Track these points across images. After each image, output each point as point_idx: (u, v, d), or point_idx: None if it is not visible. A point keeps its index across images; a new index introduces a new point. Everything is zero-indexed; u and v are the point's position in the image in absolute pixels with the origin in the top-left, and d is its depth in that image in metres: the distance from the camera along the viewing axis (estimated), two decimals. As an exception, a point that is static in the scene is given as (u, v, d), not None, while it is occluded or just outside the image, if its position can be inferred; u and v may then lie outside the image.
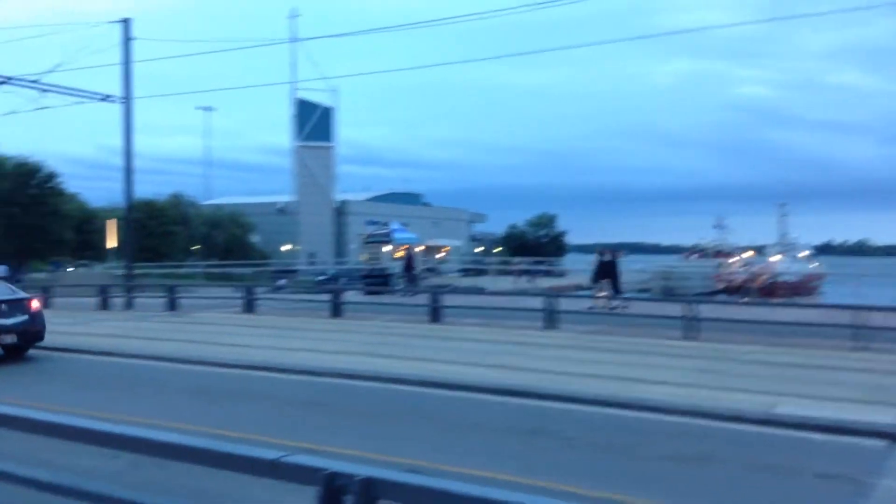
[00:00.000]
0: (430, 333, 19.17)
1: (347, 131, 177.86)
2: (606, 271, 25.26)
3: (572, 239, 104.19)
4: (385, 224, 45.04)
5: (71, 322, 22.53)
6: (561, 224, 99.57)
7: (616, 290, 25.15)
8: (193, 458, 4.83)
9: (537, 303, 21.16)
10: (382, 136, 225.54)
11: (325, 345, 16.62)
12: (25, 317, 16.06)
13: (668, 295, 36.20)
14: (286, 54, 69.46)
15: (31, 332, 16.05)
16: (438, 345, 16.73)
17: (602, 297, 24.51)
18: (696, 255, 77.23)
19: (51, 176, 61.28)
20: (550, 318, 19.96)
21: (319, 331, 19.85)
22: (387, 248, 46.89)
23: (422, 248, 56.42)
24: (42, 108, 29.71)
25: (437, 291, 25.14)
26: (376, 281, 38.87)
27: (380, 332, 19.56)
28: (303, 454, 4.59)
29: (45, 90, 29.05)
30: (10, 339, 15.67)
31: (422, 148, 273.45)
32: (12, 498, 5.76)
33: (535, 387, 11.56)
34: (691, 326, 17.87)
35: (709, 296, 44.17)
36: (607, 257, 25.84)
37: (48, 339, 16.59)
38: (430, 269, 50.31)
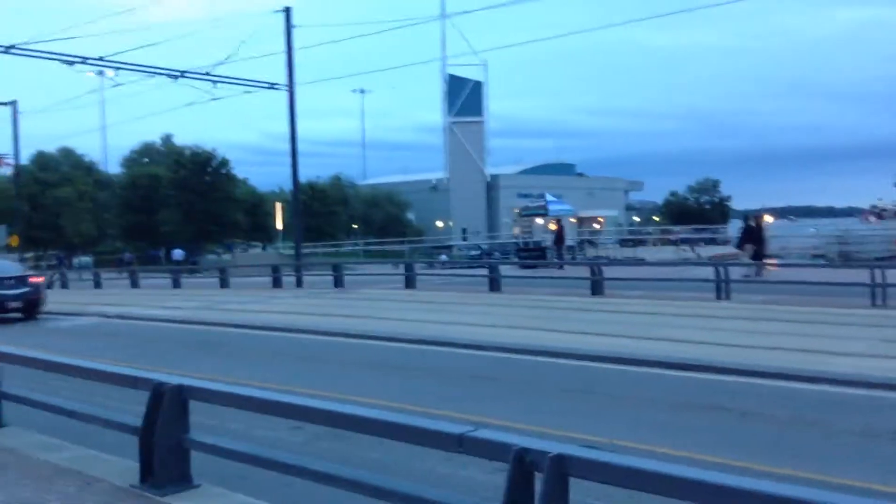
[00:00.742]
0: (593, 306, 18.80)
1: (498, 104, 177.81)
2: (752, 237, 24.84)
3: (737, 204, 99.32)
4: (539, 196, 44.60)
5: (248, 301, 23.91)
6: (725, 189, 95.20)
7: (761, 255, 24.74)
8: (381, 431, 4.90)
9: (704, 272, 20.26)
10: (533, 107, 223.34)
11: (486, 319, 16.67)
12: (27, 288, 21.34)
13: (845, 260, 33.67)
14: (436, 31, 70.04)
15: (32, 300, 21.36)
16: (602, 318, 16.37)
17: (765, 265, 23.83)
18: (875, 217, 71.57)
19: (223, 163, 65.33)
20: (721, 288, 19.04)
21: (479, 305, 19.95)
22: (541, 221, 46.45)
23: (575, 219, 55.57)
24: (215, 99, 31.55)
25: (597, 263, 24.63)
26: (532, 254, 38.59)
27: (540, 305, 19.40)
28: (489, 429, 4.53)
29: (216, 82, 30.80)
30: (15, 304, 20.97)
31: (574, 117, 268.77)
32: (202, 465, 6.09)
33: (710, 360, 11.04)
34: (877, 293, 16.52)
35: (889, 260, 40.82)
36: (752, 223, 25.53)
37: (231, 317, 17.83)
38: (585, 241, 49.46)
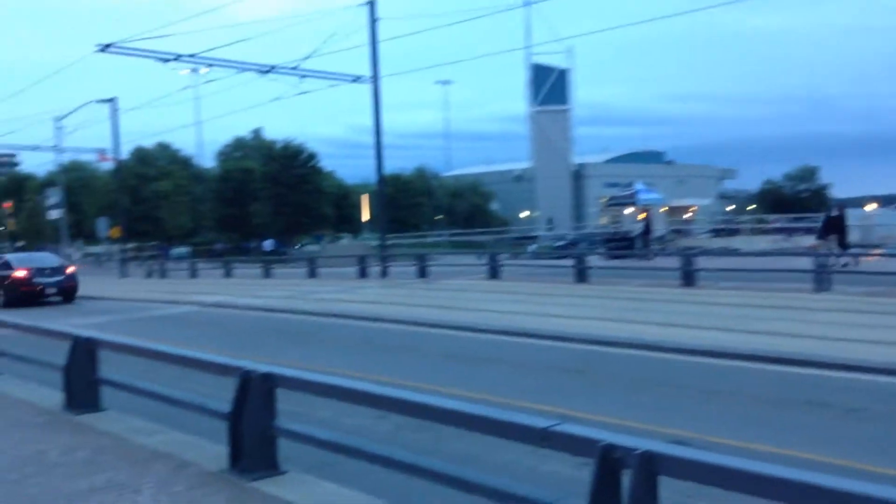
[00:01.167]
0: (684, 298, 18.28)
1: (584, 92, 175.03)
2: (834, 227, 24.26)
3: (838, 192, 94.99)
4: (627, 185, 43.73)
5: (335, 290, 24.29)
6: (824, 177, 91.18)
7: (844, 245, 24.13)
8: (467, 423, 4.82)
9: (802, 263, 19.42)
10: (621, 94, 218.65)
11: (572, 310, 16.42)
12: (62, 277, 25.82)
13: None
14: (521, 20, 69.44)
15: (67, 287, 25.82)
16: (694, 310, 15.88)
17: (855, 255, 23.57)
18: None
19: (312, 156, 66.61)
20: (821, 280, 18.20)
21: (565, 296, 19.67)
22: (629, 211, 45.53)
23: (666, 208, 54.25)
24: (302, 93, 32.11)
25: (688, 254, 23.94)
26: (620, 245, 37.88)
27: (629, 297, 18.99)
28: (574, 423, 4.39)
29: (303, 76, 31.33)
30: (52, 291, 25.26)
31: (663, 104, 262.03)
32: (290, 452, 6.15)
33: (810, 354, 10.53)
34: None
35: None
36: (835, 213, 25.03)
37: (318, 307, 18.18)
38: (675, 231, 48.23)
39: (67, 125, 51.48)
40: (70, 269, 26.69)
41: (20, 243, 77.85)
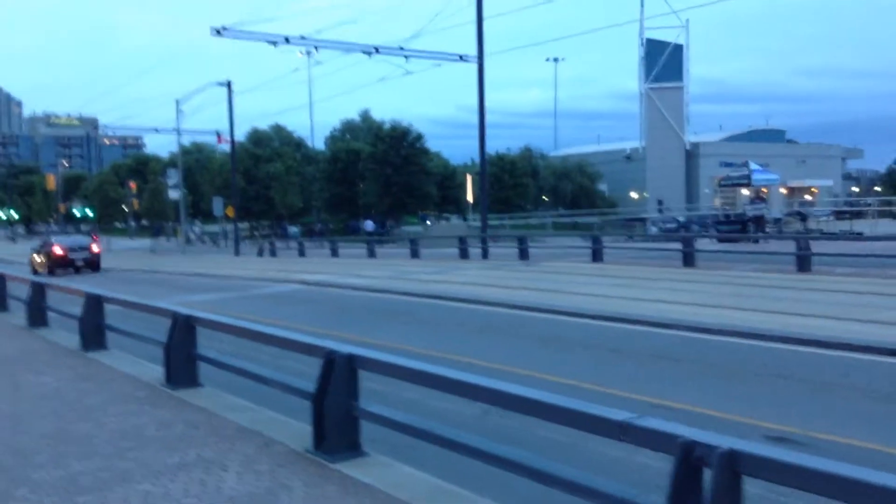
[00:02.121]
0: (797, 284, 17.35)
1: (700, 68, 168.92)
2: None
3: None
4: (743, 165, 41.87)
5: (435, 271, 24.40)
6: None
7: None
8: (543, 413, 4.67)
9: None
10: (740, 69, 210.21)
11: (677, 296, 15.86)
12: (89, 254, 34.21)
13: None
14: (636, -9, 67.24)
15: (92, 260, 34.18)
16: (807, 297, 15.04)
17: None
18: None
19: (418, 137, 67.09)
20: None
21: (671, 281, 19.04)
22: (745, 192, 43.66)
23: (785, 189, 51.80)
24: (408, 74, 32.25)
25: (803, 237, 22.73)
26: (732, 227, 36.44)
27: (738, 282, 18.20)
28: (655, 417, 4.17)
29: (408, 56, 31.44)
30: (81, 263, 33.55)
31: (786, 79, 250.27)
32: (374, 433, 6.15)
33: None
34: None
35: None
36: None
37: (418, 287, 18.42)
38: (794, 213, 45.95)
39: (187, 108, 53.69)
40: (94, 248, 35.28)
41: (143, 222, 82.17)
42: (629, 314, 13.50)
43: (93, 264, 34.03)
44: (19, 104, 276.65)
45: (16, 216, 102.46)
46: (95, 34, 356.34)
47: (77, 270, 33.28)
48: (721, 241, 31.30)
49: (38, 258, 34.90)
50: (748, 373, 9.54)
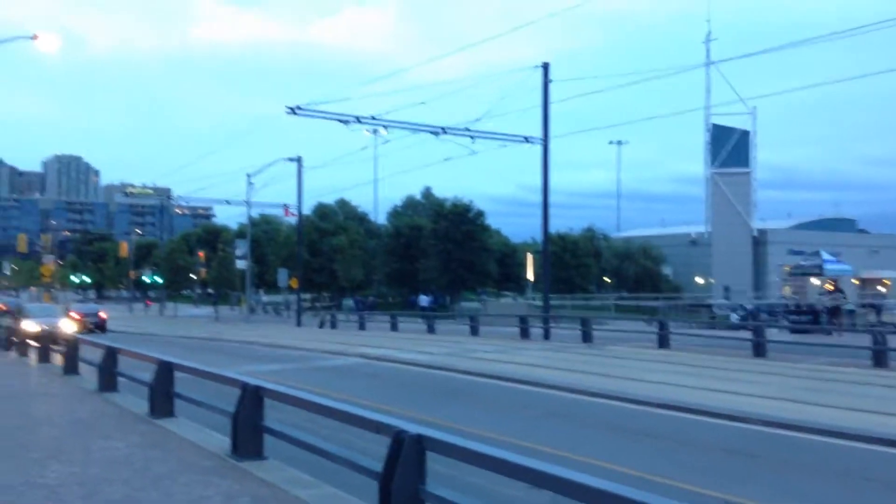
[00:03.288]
0: (874, 380, 16.65)
1: (767, 154, 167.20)
2: None
3: None
4: (814, 254, 40.94)
5: (495, 350, 24.20)
6: None
7: None
8: (617, 508, 4.50)
9: None
10: (808, 156, 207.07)
11: (748, 387, 15.34)
12: (97, 318, 43.18)
13: None
14: (700, 79, 67.74)
15: (100, 324, 42.78)
16: (886, 394, 14.39)
17: None
18: None
19: (479, 214, 67.66)
20: None
21: (740, 371, 18.47)
22: (815, 281, 42.56)
23: (857, 280, 50.28)
24: (472, 154, 32.74)
25: (880, 331, 21.89)
26: (804, 318, 35.39)
27: (811, 375, 17.56)
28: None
29: (474, 137, 31.98)
30: (92, 325, 41.23)
31: (855, 167, 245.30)
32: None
33: None
34: None
35: None
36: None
37: (478, 366, 18.27)
38: (867, 305, 44.41)
39: (257, 181, 55.37)
40: (102, 315, 44.92)
41: (210, 291, 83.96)
42: (699, 404, 13.09)
43: (100, 327, 42.86)
44: (97, 174, 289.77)
45: (88, 281, 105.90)
46: (175, 109, 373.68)
47: (90, 331, 38.69)
48: (793, 331, 30.37)
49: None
50: (825, 472, 9.10)
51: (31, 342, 21.66)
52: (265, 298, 72.89)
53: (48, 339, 20.25)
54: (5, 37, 28.19)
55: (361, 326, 40.52)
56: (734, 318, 42.03)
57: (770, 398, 13.83)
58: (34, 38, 27.28)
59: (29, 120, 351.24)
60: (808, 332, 29.52)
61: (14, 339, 24.49)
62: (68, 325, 29.58)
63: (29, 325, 25.70)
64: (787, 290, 61.88)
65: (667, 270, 72.67)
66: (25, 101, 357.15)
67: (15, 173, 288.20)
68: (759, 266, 69.49)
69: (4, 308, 44.61)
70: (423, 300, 60.40)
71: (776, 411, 12.29)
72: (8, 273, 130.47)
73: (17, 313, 33.48)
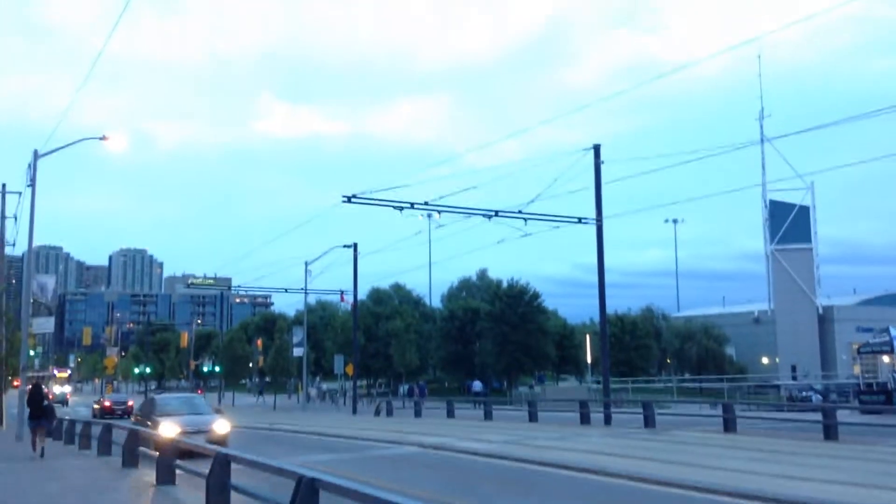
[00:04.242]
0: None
1: (829, 229, 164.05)
2: None
3: None
4: (882, 331, 39.46)
5: (555, 437, 23.59)
6: None
7: None
8: None
9: None
10: (871, 230, 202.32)
11: (819, 472, 14.57)
12: (124, 405, 51.50)
13: None
14: (755, 156, 67.40)
15: (127, 410, 49.11)
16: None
17: None
18: None
19: (535, 296, 67.22)
20: None
21: (811, 455, 17.59)
22: (887, 360, 40.88)
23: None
24: (526, 235, 32.75)
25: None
26: (875, 397, 33.89)
27: (886, 459, 16.62)
28: None
29: (527, 219, 32.05)
30: (120, 412, 48.72)
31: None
32: None
33: None
34: None
35: None
36: None
37: (538, 454, 17.67)
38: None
39: (314, 267, 56.26)
40: (129, 403, 51.81)
41: (267, 378, 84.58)
42: (770, 493, 12.42)
43: (127, 413, 47.99)
44: (160, 265, 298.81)
45: (148, 371, 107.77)
46: (236, 201, 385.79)
47: (119, 417, 45.85)
48: (864, 412, 29.03)
49: (96, 406, 53.74)
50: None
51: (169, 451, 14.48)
52: (325, 386, 72.95)
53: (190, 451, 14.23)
54: (77, 138, 29.63)
55: (417, 413, 40.08)
56: (816, 398, 40.34)
57: (845, 484, 13.08)
58: (104, 139, 28.66)
59: (96, 215, 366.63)
60: (881, 413, 28.18)
61: (146, 449, 17.10)
62: (223, 426, 21.83)
63: (168, 428, 18.53)
64: (858, 369, 59.52)
65: (730, 350, 70.68)
66: (94, 198, 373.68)
67: (82, 268, 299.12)
68: (826, 344, 67.23)
69: (112, 407, 51.38)
70: (476, 385, 59.86)
71: (852, 498, 11.60)
72: (73, 366, 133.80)
73: (147, 412, 23.37)
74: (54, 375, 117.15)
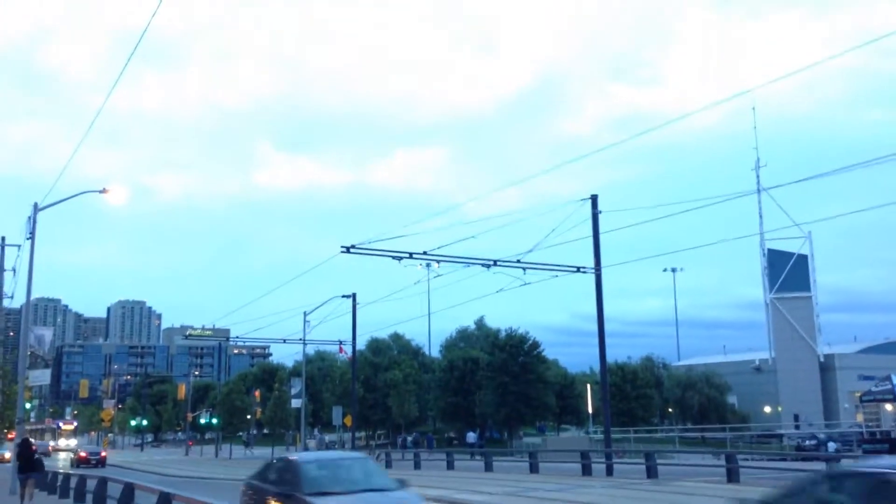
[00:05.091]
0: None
1: (827, 277, 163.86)
2: None
3: None
4: (884, 379, 39.20)
5: (556, 489, 23.22)
6: None
7: None
8: None
9: None
10: (871, 278, 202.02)
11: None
12: (98, 456, 57.01)
13: None
14: (753, 206, 67.74)
15: (101, 460, 55.61)
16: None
17: None
18: None
19: (535, 345, 66.80)
20: None
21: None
22: (889, 408, 40.56)
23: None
24: (524, 284, 32.71)
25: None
26: (879, 446, 33.51)
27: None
28: None
29: (526, 268, 32.06)
30: (94, 462, 54.66)
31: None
32: None
33: None
34: None
35: None
36: None
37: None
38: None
39: (313, 318, 55.98)
40: (103, 453, 57.98)
41: (265, 430, 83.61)
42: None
43: (101, 462, 53.69)
44: (159, 317, 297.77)
45: (145, 424, 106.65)
46: (236, 252, 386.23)
47: (94, 466, 51.00)
48: (870, 461, 28.66)
49: (73, 456, 59.07)
50: None
51: None
52: (327, 438, 72.06)
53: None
54: (76, 192, 29.78)
55: (416, 465, 39.54)
56: (832, 446, 39.57)
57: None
58: (104, 191, 28.80)
59: (95, 268, 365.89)
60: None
61: None
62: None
63: None
64: (860, 417, 58.96)
65: (732, 399, 70.10)
66: (93, 251, 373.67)
67: (80, 320, 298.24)
68: (828, 392, 66.74)
69: (88, 457, 55.92)
70: (471, 437, 59.27)
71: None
72: (68, 418, 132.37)
73: (279, 485, 12.98)
74: (59, 427, 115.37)
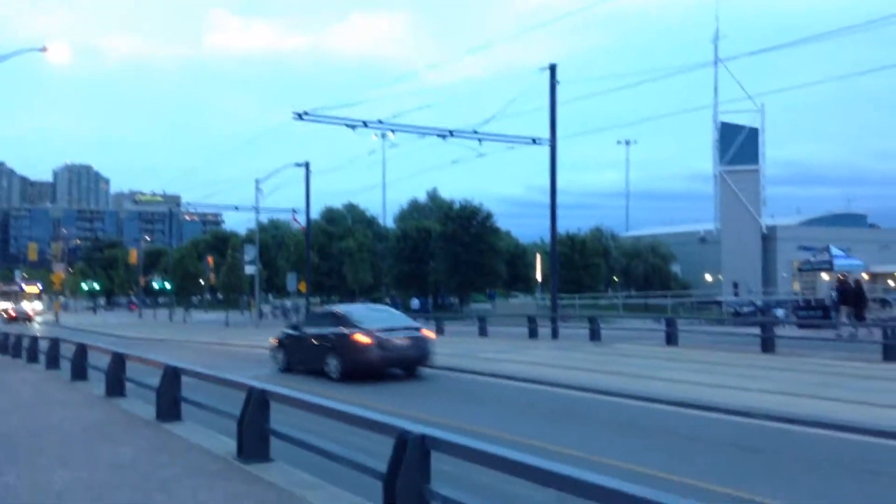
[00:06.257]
0: (883, 374, 16.55)
1: (778, 151, 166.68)
2: (848, 297, 26.55)
3: None
4: (823, 250, 40.73)
5: (503, 350, 24.17)
6: None
7: (861, 316, 26.38)
8: (621, 503, 4.48)
9: None
10: (820, 152, 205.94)
11: (757, 383, 15.28)
12: (26, 313, 67.15)
13: None
14: (708, 78, 67.65)
15: (27, 317, 66.28)
16: (894, 387, 14.31)
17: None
18: None
19: (488, 216, 67.59)
20: None
21: (749, 367, 18.39)
22: (825, 277, 42.35)
23: (867, 275, 50.02)
24: (480, 156, 32.73)
25: (890, 325, 21.76)
26: (813, 313, 35.18)
27: (820, 370, 17.47)
28: None
29: (482, 139, 31.98)
30: (23, 318, 64.59)
31: (867, 162, 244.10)
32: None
33: None
34: None
35: None
36: (849, 283, 27.41)
37: (486, 366, 18.18)
38: (877, 300, 44.18)
39: (266, 186, 55.48)
40: (30, 313, 66.25)
41: (219, 295, 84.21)
42: (707, 401, 13.04)
43: (28, 319, 61.42)
44: (107, 182, 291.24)
45: (98, 288, 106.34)
46: (187, 118, 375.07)
47: (22, 322, 57.08)
48: (801, 327, 30.23)
49: (4, 315, 63.92)
50: (837, 468, 9.05)
51: None
52: (289, 304, 73.03)
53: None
54: (17, 49, 28.37)
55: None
56: (779, 312, 40.99)
57: (780, 394, 13.77)
58: (44, 49, 27.46)
59: (41, 131, 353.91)
60: (818, 328, 29.38)
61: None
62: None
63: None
64: (797, 286, 61.63)
65: (676, 268, 72.47)
66: (38, 114, 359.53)
67: (26, 183, 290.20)
68: (768, 262, 69.24)
69: (16, 315, 60.37)
70: (415, 303, 61.00)
71: (786, 407, 12.23)
72: (18, 280, 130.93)
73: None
74: (22, 290, 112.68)
